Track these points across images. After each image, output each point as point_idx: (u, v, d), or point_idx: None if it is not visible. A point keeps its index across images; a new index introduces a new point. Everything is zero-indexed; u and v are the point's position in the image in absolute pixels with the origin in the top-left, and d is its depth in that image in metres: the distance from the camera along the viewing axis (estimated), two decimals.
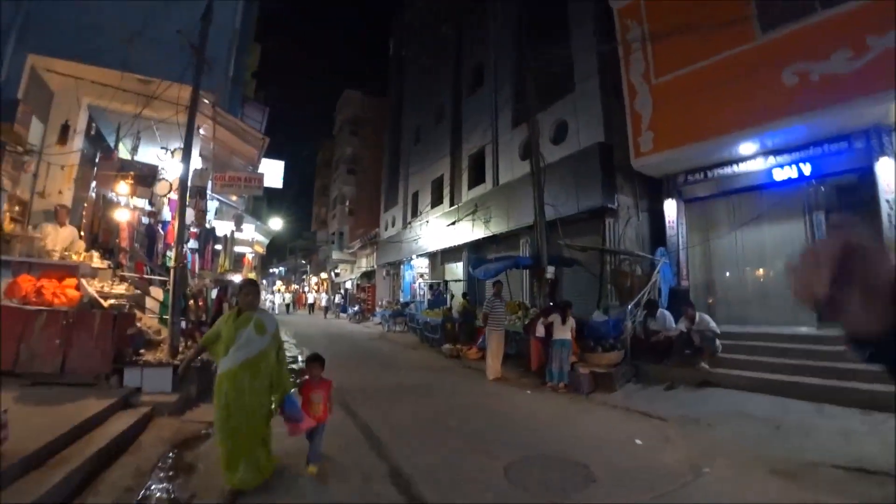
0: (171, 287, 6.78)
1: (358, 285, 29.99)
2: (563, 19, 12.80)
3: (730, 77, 8.38)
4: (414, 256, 21.25)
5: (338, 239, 38.13)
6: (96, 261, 7.13)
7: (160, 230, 12.53)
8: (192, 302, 8.22)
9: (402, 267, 23.44)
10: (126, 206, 9.12)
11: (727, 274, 10.06)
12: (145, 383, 6.09)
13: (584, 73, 11.95)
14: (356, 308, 26.11)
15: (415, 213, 22.22)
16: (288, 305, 33.69)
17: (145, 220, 11.73)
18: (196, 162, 11.62)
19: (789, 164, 8.68)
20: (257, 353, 3.79)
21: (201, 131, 10.44)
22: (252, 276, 24.43)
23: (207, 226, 14.72)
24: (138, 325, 6.93)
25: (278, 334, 4.10)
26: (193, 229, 14.46)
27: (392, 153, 27.25)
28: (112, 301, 6.33)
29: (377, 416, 6.18)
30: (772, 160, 8.95)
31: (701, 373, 7.54)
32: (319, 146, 50.01)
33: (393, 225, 25.24)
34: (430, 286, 17.76)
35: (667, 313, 8.87)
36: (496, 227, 14.45)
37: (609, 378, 7.86)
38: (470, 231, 16.02)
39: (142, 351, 6.52)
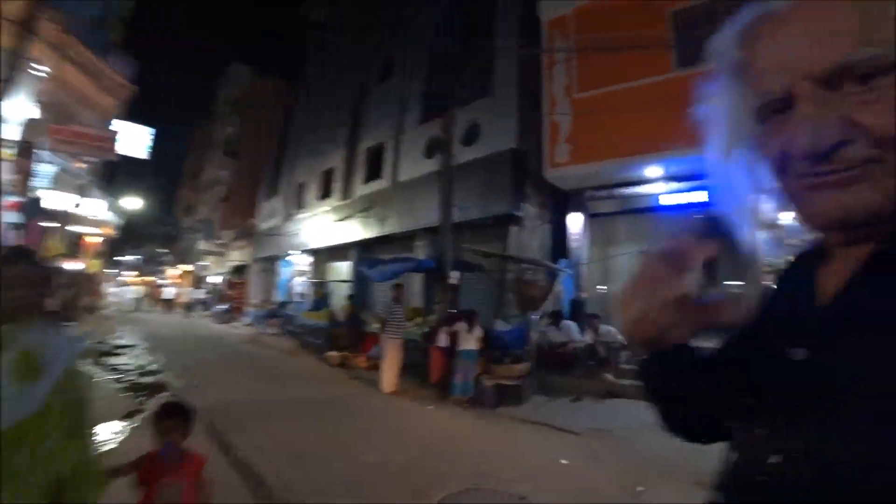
0: None
1: (228, 281, 26.84)
2: (488, 22, 12.30)
3: (646, 102, 8.44)
4: (295, 252, 19.38)
5: (206, 228, 34.20)
6: None
7: None
8: None
9: (279, 263, 21.34)
10: None
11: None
12: None
13: (504, 77, 11.56)
14: (224, 307, 23.29)
15: (299, 206, 20.35)
16: (138, 300, 29.05)
17: None
18: (22, 106, 8.99)
19: (685, 191, 8.95)
20: (14, 423, 1.62)
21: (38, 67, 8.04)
22: (95, 263, 20.48)
23: (38, 196, 11.79)
24: None
25: (76, 378, 1.90)
26: (14, 197, 11.46)
27: (281, 138, 24.92)
28: None
29: (260, 447, 4.85)
30: (673, 185, 9.17)
31: (606, 384, 7.59)
32: (194, 124, 44.89)
33: (273, 216, 22.96)
34: (314, 286, 16.14)
35: (571, 324, 8.68)
36: (391, 227, 13.45)
37: (517, 390, 7.45)
38: (361, 229, 14.82)
39: None
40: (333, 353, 11.07)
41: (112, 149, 8.69)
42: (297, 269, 20.39)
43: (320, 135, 19.81)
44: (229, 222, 29.23)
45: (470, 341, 7.40)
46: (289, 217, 20.97)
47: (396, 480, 4.28)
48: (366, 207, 14.60)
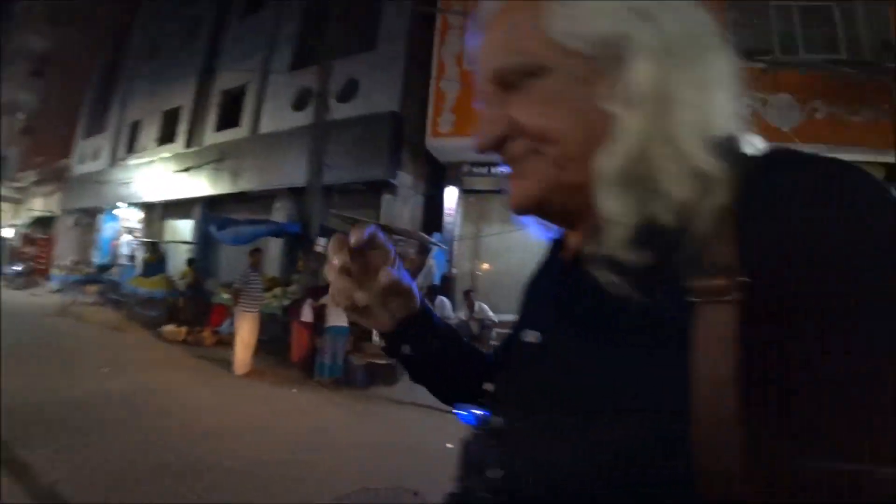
0: None
1: (25, 235, 21.71)
2: None
3: None
4: (122, 205, 16.31)
5: None
6: None
7: None
8: None
9: (101, 217, 17.87)
10: None
11: (491, 266, 10.17)
12: None
13: (391, 32, 10.60)
14: (19, 268, 18.90)
15: (130, 149, 17.10)
16: None
17: None
18: None
19: None
20: None
21: None
22: None
23: None
24: None
25: None
26: None
27: (109, 63, 20.64)
28: None
29: (69, 468, 3.56)
30: None
31: None
32: None
33: (95, 158, 19.07)
34: (149, 247, 13.63)
35: (445, 300, 8.41)
36: (248, 184, 11.83)
37: (390, 370, 6.90)
38: (209, 183, 12.86)
39: None
40: (172, 328, 9.41)
41: None
42: (123, 226, 17.23)
43: (164, 65, 16.67)
44: (32, 161, 23.78)
45: (340, 316, 6.62)
46: (116, 161, 17.56)
47: (271, 492, 3.47)
48: (217, 158, 12.64)
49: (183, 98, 15.31)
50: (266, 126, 12.25)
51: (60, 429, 4.37)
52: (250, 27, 13.99)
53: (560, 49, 0.49)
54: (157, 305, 10.44)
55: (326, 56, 9.33)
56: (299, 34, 12.53)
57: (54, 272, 18.83)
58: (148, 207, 15.56)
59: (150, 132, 16.35)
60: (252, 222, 9.30)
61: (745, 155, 0.46)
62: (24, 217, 22.88)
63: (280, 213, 11.21)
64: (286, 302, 7.75)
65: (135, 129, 17.35)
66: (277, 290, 8.12)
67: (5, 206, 25.40)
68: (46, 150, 23.70)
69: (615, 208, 0.47)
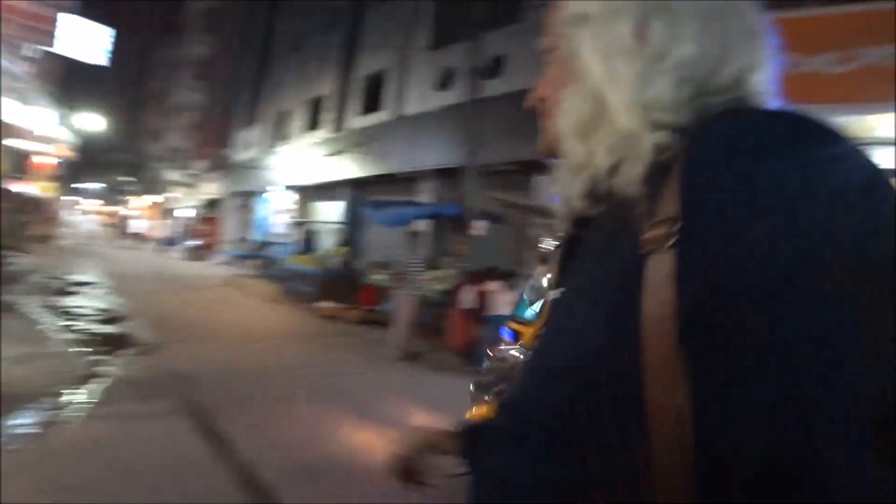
0: None
1: (199, 215, 24.79)
2: None
3: None
4: (275, 188, 17.66)
5: (176, 157, 31.67)
6: None
7: None
8: None
9: (257, 199, 19.59)
10: None
11: None
12: None
13: (536, 2, 9.87)
14: (195, 243, 21.53)
15: (282, 136, 18.40)
16: (99, 232, 26.71)
17: None
18: None
19: None
20: None
21: None
22: (51, 188, 18.29)
23: None
24: None
25: None
26: None
27: (260, 60, 22.38)
28: None
29: (266, 443, 3.64)
30: None
31: None
32: (158, 40, 40.84)
33: (252, 147, 20.92)
34: (301, 227, 14.52)
35: None
36: (392, 166, 11.94)
37: None
38: (356, 166, 13.24)
39: None
40: (324, 305, 9.84)
41: (50, 31, 6.87)
42: (277, 207, 18.72)
43: (307, 57, 17.63)
44: (202, 152, 26.88)
45: (504, 305, 6.23)
46: (268, 149, 19.05)
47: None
48: (361, 142, 12.97)
49: (326, 86, 15.99)
50: (410, 108, 12.23)
51: (260, 398, 4.52)
52: (387, 11, 14.05)
53: (559, 30, 0.58)
54: (310, 281, 10.99)
55: (471, 32, 8.88)
56: (437, 13, 12.27)
57: (222, 247, 21.22)
58: (299, 190, 16.59)
59: (297, 120, 17.38)
60: (408, 204, 9.27)
61: (711, 112, 0.47)
62: (198, 200, 26.03)
63: (426, 195, 11.14)
64: (445, 286, 7.55)
65: (283, 118, 18.62)
66: (439, 273, 7.97)
67: (182, 190, 29.20)
68: (212, 142, 26.62)
69: (567, 159, 0.55)
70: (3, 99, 10.72)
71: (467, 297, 6.74)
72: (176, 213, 28.59)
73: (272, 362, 6.04)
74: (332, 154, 14.22)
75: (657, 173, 0.45)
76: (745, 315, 0.38)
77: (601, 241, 0.51)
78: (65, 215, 23.83)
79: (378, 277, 9.63)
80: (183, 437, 3.61)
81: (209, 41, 31.52)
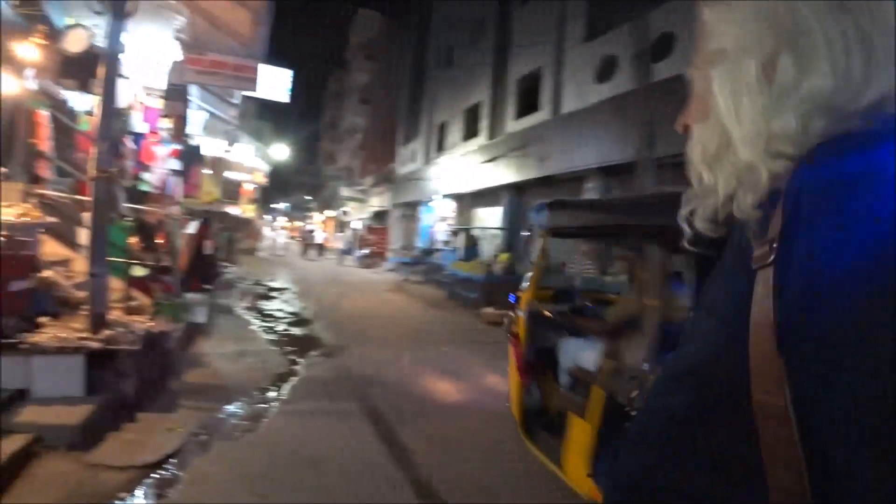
0: (92, 209, 3.99)
1: (368, 226, 27.09)
2: None
3: None
4: (436, 197, 18.37)
5: (347, 175, 35.07)
6: None
7: (129, 143, 9.66)
8: (144, 238, 5.49)
9: (420, 208, 20.60)
10: (41, 93, 5.99)
11: None
12: (36, 382, 3.47)
13: None
14: (365, 251, 23.47)
15: (440, 148, 19.13)
16: (288, 245, 30.63)
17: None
18: (166, 47, 8.51)
19: None
20: None
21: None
22: (251, 209, 21.58)
23: (193, 142, 11.82)
24: (42, 275, 4.25)
25: None
26: (174, 145, 11.58)
27: (414, 79, 23.70)
28: None
29: (446, 458, 3.60)
30: None
31: None
32: (329, 76, 45.79)
33: (412, 160, 22.16)
34: (466, 234, 14.78)
35: None
36: (553, 167, 11.52)
37: None
38: (514, 170, 13.09)
39: (43, 320, 3.87)
40: (490, 311, 9.80)
41: (253, 78, 7.83)
42: (438, 215, 19.50)
43: (460, 69, 18.10)
44: (368, 168, 29.35)
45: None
46: (429, 160, 19.95)
47: None
48: (519, 146, 12.79)
49: (480, 94, 16.17)
50: (568, 105, 11.72)
51: (426, 409, 4.50)
52: (536, 10, 13.69)
53: (699, 65, 0.62)
54: (473, 287, 11.07)
55: (632, 13, 8.08)
56: (590, 1, 11.54)
57: (389, 255, 22.81)
58: (458, 198, 17.03)
59: (455, 131, 17.85)
60: None
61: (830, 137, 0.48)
62: (367, 212, 28.46)
63: (592, 194, 10.50)
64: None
65: (442, 130, 19.32)
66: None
67: (353, 204, 32.24)
68: (377, 160, 28.91)
69: (695, 186, 0.59)
70: (218, 140, 12.81)
71: None
72: (350, 225, 31.64)
73: (443, 367, 6.09)
74: (489, 160, 14.30)
75: (770, 199, 0.49)
76: (833, 323, 0.41)
77: (724, 261, 0.56)
78: (262, 232, 27.96)
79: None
80: (364, 439, 3.78)
81: (370, 69, 34.37)
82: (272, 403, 4.34)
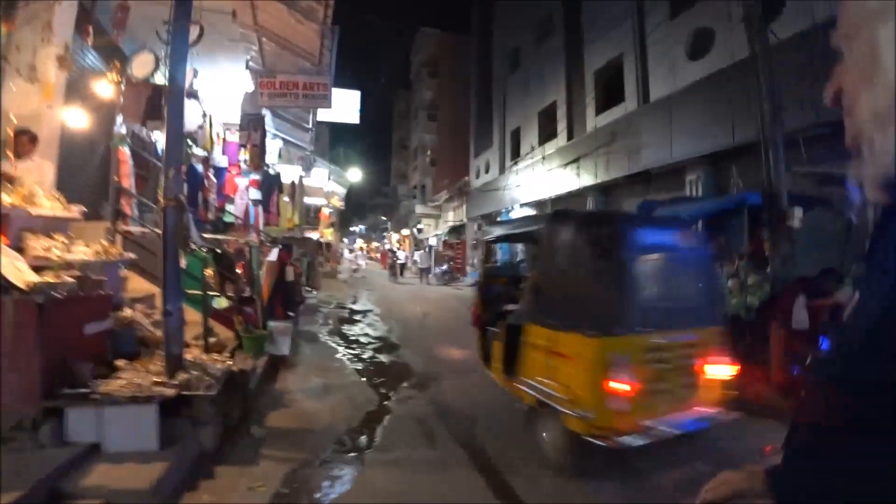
0: (163, 239, 3.66)
1: (444, 242, 26.72)
2: None
3: None
4: (514, 206, 17.58)
5: (420, 192, 35.17)
6: (54, 205, 4.14)
7: (211, 177, 9.82)
8: (223, 268, 5.22)
9: (499, 220, 19.86)
10: (122, 130, 5.96)
11: None
12: (108, 435, 3.12)
13: None
14: (444, 268, 23.05)
15: (515, 155, 18.36)
16: (366, 265, 30.82)
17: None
18: (240, 79, 8.52)
19: None
20: None
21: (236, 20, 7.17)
22: (330, 233, 21.94)
23: (271, 171, 11.95)
24: (121, 314, 4.00)
25: None
26: (253, 175, 11.74)
27: (481, 88, 23.23)
28: (48, 277, 3.32)
29: None
30: None
31: None
32: (394, 97, 46.66)
33: (486, 171, 21.55)
34: None
35: None
36: (647, 161, 10.40)
37: None
38: (600, 169, 12.06)
39: (121, 363, 3.57)
40: None
41: (326, 94, 7.56)
42: None
43: (529, 71, 17.34)
44: (440, 184, 29.15)
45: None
46: (504, 169, 19.26)
47: None
48: (604, 143, 11.77)
49: (555, 93, 15.30)
50: (656, 91, 10.60)
51: (537, 457, 3.70)
52: None
53: (855, 22, 0.59)
54: None
55: None
56: None
57: (469, 269, 22.23)
58: (539, 205, 16.15)
59: (530, 135, 17.04)
60: (682, 201, 7.75)
61: None
62: (443, 228, 28.17)
63: (696, 187, 9.31)
64: (756, 300, 5.78)
65: (516, 137, 18.57)
66: (746, 282, 6.20)
67: (428, 221, 32.18)
68: (448, 174, 28.65)
69: (866, 151, 0.57)
70: (295, 167, 12.92)
71: (798, 314, 4.92)
72: (426, 242, 31.53)
73: None
74: (570, 162, 13.36)
75: None
76: None
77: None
78: (342, 254, 28.36)
79: None
80: (475, 493, 3.06)
81: (434, 86, 34.48)
82: (365, 451, 3.76)
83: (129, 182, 5.45)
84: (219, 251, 5.46)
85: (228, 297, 5.23)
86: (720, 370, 3.49)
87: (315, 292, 13.57)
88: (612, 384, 3.01)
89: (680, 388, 3.35)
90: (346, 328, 9.43)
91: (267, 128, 11.50)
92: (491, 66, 21.64)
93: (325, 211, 20.17)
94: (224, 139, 11.12)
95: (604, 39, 12.78)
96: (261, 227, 11.62)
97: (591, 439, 3.01)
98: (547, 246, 3.85)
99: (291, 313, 8.73)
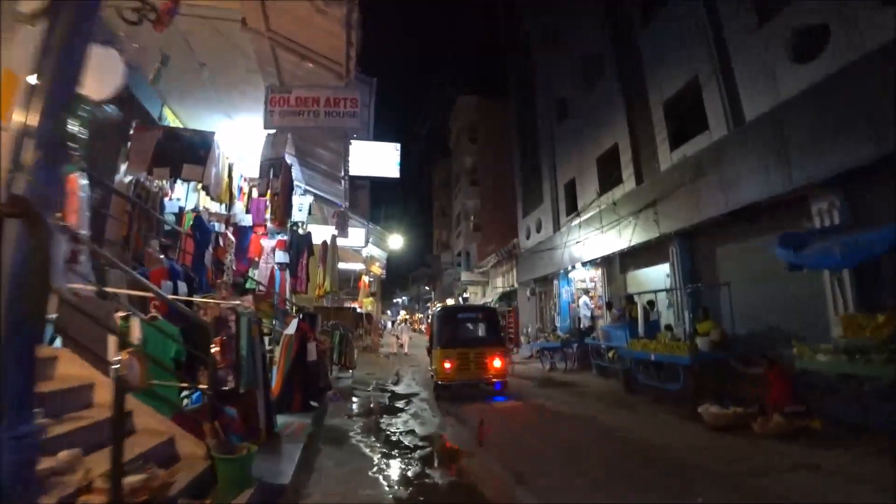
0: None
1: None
2: None
3: None
4: (576, 265, 15.48)
5: (464, 259, 33.55)
6: None
7: (230, 236, 8.41)
8: (188, 347, 3.42)
9: (555, 282, 17.71)
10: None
11: None
12: None
13: None
14: None
15: (572, 209, 16.49)
16: (407, 338, 28.51)
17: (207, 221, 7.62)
18: (251, 122, 7.22)
19: None
20: None
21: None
22: (370, 303, 20.28)
23: (300, 230, 10.53)
24: None
25: None
26: (280, 236, 10.32)
27: (526, 146, 21.95)
28: None
29: None
30: None
31: None
32: (434, 167, 46.59)
33: (538, 231, 19.68)
34: (638, 303, 11.06)
35: None
36: (752, 192, 8.34)
37: None
38: (685, 210, 10.01)
39: None
40: (714, 409, 6.47)
41: (355, 112, 6.01)
42: (578, 287, 16.49)
43: (580, 116, 15.88)
44: (486, 249, 27.46)
45: None
46: (559, 226, 17.36)
47: None
48: (688, 179, 9.82)
49: (615, 135, 13.62)
50: (752, 109, 8.69)
51: None
52: (667, 20, 11.23)
53: None
54: (674, 374, 7.79)
55: None
56: None
57: (523, 339, 19.85)
58: (605, 262, 14.05)
59: (589, 185, 15.25)
60: (830, 231, 5.62)
61: None
62: (492, 295, 26.07)
63: (828, 219, 7.13)
64: None
65: (571, 189, 16.80)
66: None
67: (475, 289, 30.22)
68: (493, 240, 26.99)
69: None
70: (327, 226, 11.49)
71: None
72: None
73: None
74: (643, 208, 11.39)
75: None
76: None
77: None
78: (384, 326, 26.19)
79: (809, 358, 5.88)
80: None
81: (474, 151, 33.89)
82: None
83: (77, 220, 3.87)
84: (192, 321, 3.70)
85: (198, 390, 3.42)
86: (495, 363, 9.37)
87: (351, 371, 11.65)
88: (445, 364, 9.09)
89: (474, 368, 9.21)
90: (385, 421, 7.33)
91: (296, 183, 10.23)
92: (535, 122, 20.42)
93: (365, 279, 18.69)
94: (249, 195, 9.86)
95: (670, 66, 11.18)
96: (287, 294, 10.02)
97: (438, 382, 9.30)
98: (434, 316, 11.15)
99: (315, 403, 6.82)
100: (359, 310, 20.84)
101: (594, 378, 11.33)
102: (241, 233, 9.57)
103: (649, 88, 12.02)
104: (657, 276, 12.75)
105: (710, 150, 9.50)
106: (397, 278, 61.07)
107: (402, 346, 20.38)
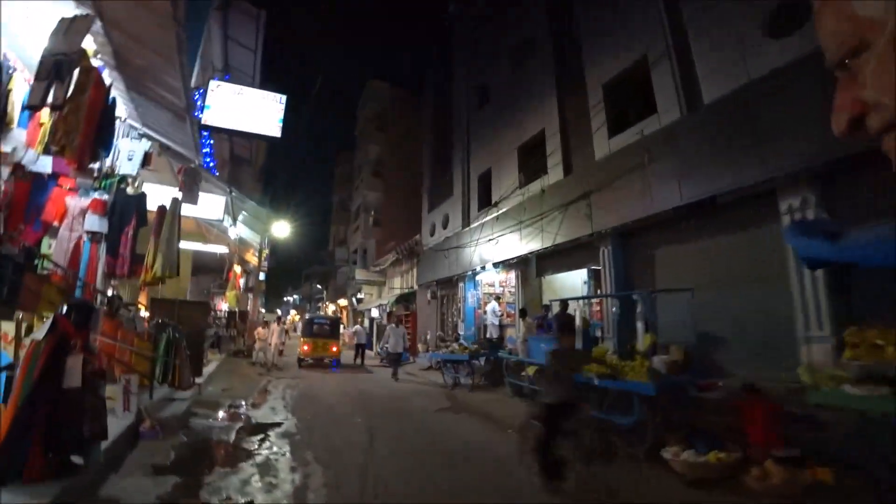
0: None
1: (390, 313, 21.95)
2: None
3: None
4: (484, 267, 13.77)
5: (361, 256, 30.89)
6: None
7: (3, 183, 5.32)
8: None
9: (460, 285, 15.89)
10: None
11: None
12: None
13: None
14: (388, 346, 18.33)
15: (486, 203, 14.78)
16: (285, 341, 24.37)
17: None
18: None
19: None
20: None
21: None
22: (233, 297, 16.98)
23: (130, 189, 7.55)
24: None
25: None
26: (99, 194, 7.23)
27: (439, 135, 20.05)
28: None
29: None
30: None
31: None
32: (337, 157, 43.33)
33: (444, 226, 17.78)
34: (563, 312, 9.33)
35: None
36: (706, 187, 7.05)
37: None
38: (625, 205, 8.61)
39: None
40: (690, 456, 4.82)
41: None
42: (485, 291, 14.82)
43: (501, 103, 14.28)
44: (385, 246, 25.11)
45: None
46: (469, 222, 15.59)
47: None
48: (630, 169, 8.42)
49: (542, 120, 12.12)
50: (714, 91, 7.41)
51: None
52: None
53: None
54: (624, 403, 6.12)
55: None
56: None
57: (421, 348, 17.78)
58: (521, 263, 12.43)
59: (506, 177, 13.62)
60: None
61: None
62: (388, 297, 23.69)
63: (805, 211, 5.93)
64: None
65: (486, 181, 15.09)
66: None
67: (370, 289, 27.67)
68: (394, 237, 24.71)
69: None
70: (170, 189, 8.53)
71: None
72: (367, 314, 26.75)
73: None
74: (572, 202, 9.89)
75: None
76: None
77: None
78: (263, 329, 22.19)
79: (829, 389, 4.37)
80: None
81: (381, 140, 31.53)
82: None
83: None
84: None
85: None
86: (333, 348, 16.83)
87: (188, 392, 8.37)
88: (305, 347, 16.60)
89: (321, 350, 16.65)
90: (215, 480, 4.69)
91: (130, 121, 7.25)
92: (450, 110, 18.62)
93: (237, 269, 15.53)
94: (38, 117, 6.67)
95: (610, 48, 9.86)
96: (98, 278, 6.95)
97: (300, 358, 16.61)
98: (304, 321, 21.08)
99: (78, 458, 3.93)
100: (228, 308, 17.46)
101: (509, 399, 9.52)
102: (36, 183, 6.42)
103: (587, 69, 10.61)
104: (573, 282, 11.44)
105: (656, 138, 8.15)
106: (290, 274, 56.34)
107: (280, 352, 17.18)
